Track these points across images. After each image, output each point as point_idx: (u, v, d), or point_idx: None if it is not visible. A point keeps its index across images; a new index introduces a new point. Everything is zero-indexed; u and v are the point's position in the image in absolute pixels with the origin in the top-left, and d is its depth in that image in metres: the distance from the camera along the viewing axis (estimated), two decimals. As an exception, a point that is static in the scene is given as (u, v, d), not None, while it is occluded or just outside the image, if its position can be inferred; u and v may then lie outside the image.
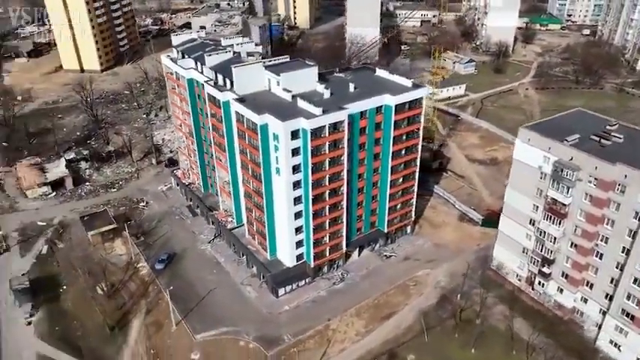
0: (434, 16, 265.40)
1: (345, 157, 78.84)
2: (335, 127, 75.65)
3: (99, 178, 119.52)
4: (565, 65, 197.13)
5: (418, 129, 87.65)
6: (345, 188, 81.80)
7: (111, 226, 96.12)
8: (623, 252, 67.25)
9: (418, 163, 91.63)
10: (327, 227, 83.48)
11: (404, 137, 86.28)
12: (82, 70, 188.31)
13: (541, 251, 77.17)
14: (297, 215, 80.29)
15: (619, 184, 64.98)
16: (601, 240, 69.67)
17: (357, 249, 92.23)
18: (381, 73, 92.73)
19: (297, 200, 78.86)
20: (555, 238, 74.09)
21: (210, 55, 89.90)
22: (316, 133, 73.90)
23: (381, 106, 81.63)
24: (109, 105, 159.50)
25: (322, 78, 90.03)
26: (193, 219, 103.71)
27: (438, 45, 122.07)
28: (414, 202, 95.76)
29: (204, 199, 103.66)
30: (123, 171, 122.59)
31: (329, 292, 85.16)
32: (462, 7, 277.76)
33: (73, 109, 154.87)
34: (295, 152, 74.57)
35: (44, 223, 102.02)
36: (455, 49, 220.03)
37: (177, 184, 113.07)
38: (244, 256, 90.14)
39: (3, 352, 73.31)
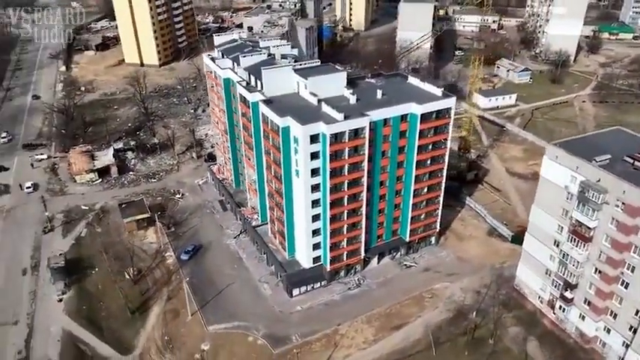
0: (494, 22, 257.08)
1: (365, 164, 78.83)
2: (356, 133, 75.83)
3: (142, 168, 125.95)
4: (631, 78, 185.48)
5: (445, 139, 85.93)
6: (365, 194, 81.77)
7: (144, 215, 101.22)
8: (650, 282, 63.13)
9: (445, 174, 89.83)
10: (345, 232, 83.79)
11: (430, 147, 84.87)
12: (142, 64, 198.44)
13: (564, 274, 73.65)
14: (315, 218, 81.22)
15: (649, 211, 61.06)
16: (627, 268, 65.65)
17: (377, 256, 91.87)
18: (412, 80, 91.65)
19: (314, 203, 79.79)
20: (579, 262, 70.49)
21: (244, 56, 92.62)
22: (336, 138, 74.42)
23: (407, 115, 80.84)
24: (161, 99, 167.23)
25: (352, 83, 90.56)
26: (223, 214, 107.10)
27: (477, 53, 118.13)
28: (440, 213, 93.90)
29: (234, 194, 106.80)
30: (165, 163, 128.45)
31: (343, 296, 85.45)
32: (525, 12, 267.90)
33: (128, 101, 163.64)
34: (314, 156, 75.53)
35: (87, 208, 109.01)
36: (512, 56, 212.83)
37: (212, 179, 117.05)
38: (265, 254, 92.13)
39: (34, 324, 79.34)
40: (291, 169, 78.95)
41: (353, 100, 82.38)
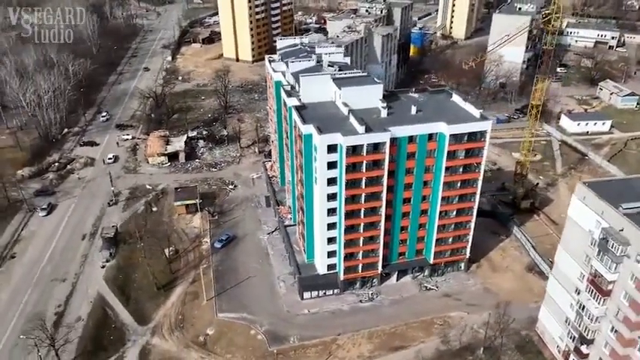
0: (612, 38, 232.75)
1: (385, 179, 78.11)
2: (376, 147, 75.51)
3: (208, 157, 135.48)
4: None
5: (479, 163, 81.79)
6: (383, 209, 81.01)
7: (193, 201, 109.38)
8: (666, 354, 55.47)
9: (477, 199, 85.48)
10: (362, 244, 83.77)
11: (460, 169, 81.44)
12: (237, 60, 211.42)
13: (579, 327, 66.99)
14: (331, 226, 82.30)
15: (671, 272, 53.65)
16: (645, 333, 58.24)
17: (397, 273, 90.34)
18: (455, 98, 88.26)
19: (330, 212, 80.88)
20: (595, 317, 63.74)
21: (293, 61, 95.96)
22: (354, 150, 74.84)
23: (435, 134, 78.46)
24: (244, 94, 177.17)
25: (392, 96, 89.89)
26: (265, 209, 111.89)
27: (542, 76, 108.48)
28: (470, 239, 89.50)
29: (277, 192, 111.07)
30: (229, 154, 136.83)
31: (353, 308, 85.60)
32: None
33: (214, 93, 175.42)
34: (331, 165, 76.63)
35: (151, 187, 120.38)
36: (623, 78, 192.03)
37: (264, 175, 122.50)
38: (288, 254, 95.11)
39: (77, 285, 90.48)
40: (312, 175, 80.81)
41: (384, 113, 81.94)
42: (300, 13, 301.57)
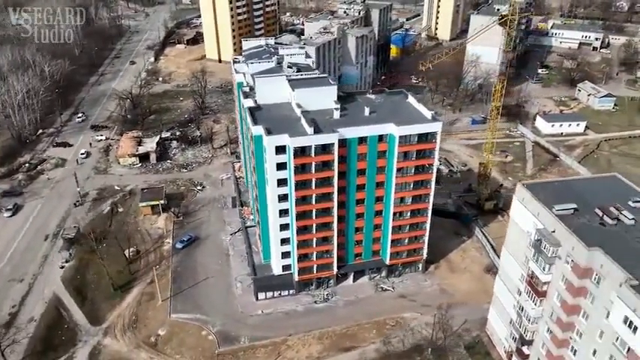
0: (596, 39, 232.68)
1: (335, 180, 78.32)
2: (324, 148, 75.72)
3: (180, 158, 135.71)
4: None
5: (431, 164, 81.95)
6: (335, 210, 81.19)
7: (158, 202, 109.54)
8: (594, 355, 55.50)
9: (431, 200, 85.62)
10: (315, 245, 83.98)
11: (412, 170, 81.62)
12: (220, 61, 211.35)
13: (520, 328, 67.15)
14: (283, 227, 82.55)
15: (596, 274, 53.75)
16: (576, 334, 58.32)
17: (353, 274, 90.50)
18: (411, 100, 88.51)
19: (282, 213, 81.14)
20: (532, 318, 63.90)
21: (252, 62, 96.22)
22: (303, 151, 75.08)
23: (386, 135, 78.66)
24: (223, 94, 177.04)
25: (349, 98, 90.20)
26: (231, 210, 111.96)
27: (502, 76, 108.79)
28: (427, 240, 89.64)
29: (243, 193, 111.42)
30: (201, 155, 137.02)
31: (307, 308, 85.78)
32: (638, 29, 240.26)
33: (193, 94, 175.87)
34: (281, 166, 76.85)
35: (119, 188, 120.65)
36: (604, 79, 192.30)
37: (233, 176, 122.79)
38: (247, 255, 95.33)
39: (34, 285, 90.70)
40: (264, 176, 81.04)
41: (337, 114, 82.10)
42: (288, 14, 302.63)
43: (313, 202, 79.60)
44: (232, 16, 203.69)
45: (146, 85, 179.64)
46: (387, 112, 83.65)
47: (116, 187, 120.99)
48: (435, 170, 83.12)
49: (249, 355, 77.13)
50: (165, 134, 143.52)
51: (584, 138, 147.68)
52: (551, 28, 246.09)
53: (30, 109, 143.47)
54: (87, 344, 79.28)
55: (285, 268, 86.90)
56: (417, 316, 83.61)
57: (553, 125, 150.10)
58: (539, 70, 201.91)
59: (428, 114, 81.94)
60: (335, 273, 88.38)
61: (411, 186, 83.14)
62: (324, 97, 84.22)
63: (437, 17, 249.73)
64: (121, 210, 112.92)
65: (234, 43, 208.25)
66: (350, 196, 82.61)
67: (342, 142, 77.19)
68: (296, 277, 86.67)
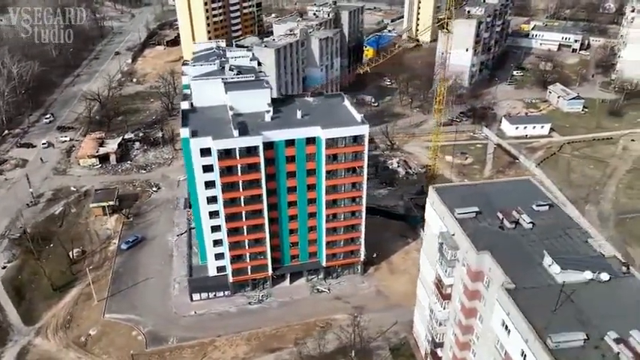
0: (575, 41, 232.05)
1: (262, 182, 78.91)
2: (249, 150, 76.34)
3: (140, 159, 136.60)
4: None
5: (360, 167, 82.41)
6: (265, 212, 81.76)
7: (108, 203, 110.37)
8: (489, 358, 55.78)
9: (364, 202, 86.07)
10: (247, 247, 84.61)
11: (342, 173, 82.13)
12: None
13: (432, 330, 67.53)
14: (215, 229, 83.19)
15: (486, 277, 54.10)
16: (475, 336, 58.65)
17: (290, 275, 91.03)
18: (346, 103, 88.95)
19: (213, 214, 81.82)
20: (439, 320, 64.28)
21: (194, 65, 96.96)
22: (227, 153, 75.72)
23: (314, 138, 79.16)
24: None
25: (286, 100, 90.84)
26: (182, 211, 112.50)
27: (442, 79, 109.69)
28: (363, 242, 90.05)
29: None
30: (162, 157, 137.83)
31: (240, 309, 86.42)
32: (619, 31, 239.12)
33: (161, 95, 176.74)
34: (207, 169, 77.53)
35: (75, 189, 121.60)
36: (578, 81, 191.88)
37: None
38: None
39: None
40: (194, 178, 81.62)
41: (268, 117, 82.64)
42: (273, 15, 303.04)
43: (242, 204, 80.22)
44: (207, 17, 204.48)
45: (117, 87, 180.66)
46: (320, 115, 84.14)
47: (72, 188, 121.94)
48: (365, 172, 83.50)
49: (176, 356, 77.83)
50: (128, 135, 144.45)
51: (547, 140, 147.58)
52: (532, 29, 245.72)
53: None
54: (17, 344, 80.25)
55: (220, 269, 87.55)
56: (348, 317, 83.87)
57: (517, 127, 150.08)
58: (514, 72, 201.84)
59: (358, 117, 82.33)
60: (270, 274, 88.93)
61: (342, 188, 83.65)
62: (257, 100, 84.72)
63: (417, 19, 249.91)
64: (73, 211, 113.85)
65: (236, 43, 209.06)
66: (281, 198, 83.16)
67: (270, 145, 77.87)
68: (230, 279, 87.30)
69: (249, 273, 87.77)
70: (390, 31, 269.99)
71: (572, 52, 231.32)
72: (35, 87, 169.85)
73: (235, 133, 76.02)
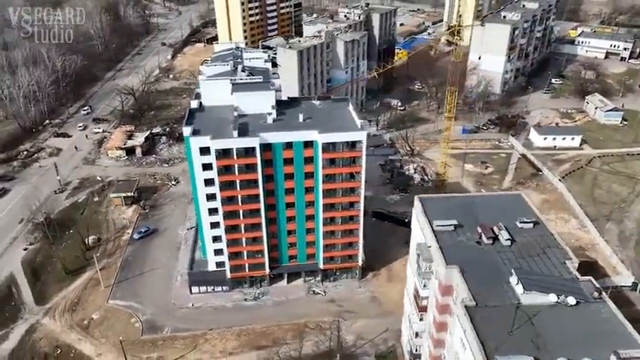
0: (625, 49, 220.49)
1: (260, 182, 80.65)
2: (246, 151, 78.22)
3: (165, 153, 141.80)
4: None
5: (358, 172, 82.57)
6: (263, 211, 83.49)
7: (127, 194, 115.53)
8: (456, 374, 55.06)
9: (362, 207, 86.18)
10: (245, 244, 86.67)
11: (339, 177, 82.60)
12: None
13: (411, 341, 67.06)
14: (214, 225, 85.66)
15: (455, 292, 53.39)
16: (446, 350, 57.94)
17: (288, 275, 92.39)
18: (350, 107, 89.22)
19: (212, 211, 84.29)
20: (416, 332, 63.82)
21: (208, 65, 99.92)
22: (225, 153, 77.94)
23: (312, 142, 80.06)
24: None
25: (294, 103, 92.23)
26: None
27: (451, 85, 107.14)
28: (361, 247, 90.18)
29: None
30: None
31: (236, 305, 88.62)
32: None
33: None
34: (206, 167, 79.99)
35: (100, 179, 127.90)
36: (621, 91, 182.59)
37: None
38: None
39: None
40: (194, 175, 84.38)
41: (270, 119, 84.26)
42: (314, 15, 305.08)
43: (240, 203, 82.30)
44: (244, 17, 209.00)
45: (154, 82, 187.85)
46: (322, 119, 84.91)
47: (98, 178, 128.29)
48: (363, 178, 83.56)
49: (168, 345, 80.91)
50: (156, 130, 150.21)
51: (577, 153, 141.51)
52: (578, 36, 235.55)
53: (40, 101, 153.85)
54: (26, 322, 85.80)
55: (219, 265, 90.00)
56: (340, 322, 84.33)
57: (546, 138, 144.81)
58: (553, 80, 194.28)
59: (358, 123, 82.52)
60: (268, 273, 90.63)
61: (340, 193, 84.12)
62: (261, 102, 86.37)
63: (457, 22, 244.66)
64: (96, 199, 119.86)
65: (246, 44, 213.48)
66: (279, 199, 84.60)
67: (268, 147, 79.48)
68: (228, 275, 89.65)
69: (247, 270, 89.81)
70: (429, 33, 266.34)
71: (621, 60, 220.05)
72: (78, 80, 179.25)
73: (234, 133, 78.04)
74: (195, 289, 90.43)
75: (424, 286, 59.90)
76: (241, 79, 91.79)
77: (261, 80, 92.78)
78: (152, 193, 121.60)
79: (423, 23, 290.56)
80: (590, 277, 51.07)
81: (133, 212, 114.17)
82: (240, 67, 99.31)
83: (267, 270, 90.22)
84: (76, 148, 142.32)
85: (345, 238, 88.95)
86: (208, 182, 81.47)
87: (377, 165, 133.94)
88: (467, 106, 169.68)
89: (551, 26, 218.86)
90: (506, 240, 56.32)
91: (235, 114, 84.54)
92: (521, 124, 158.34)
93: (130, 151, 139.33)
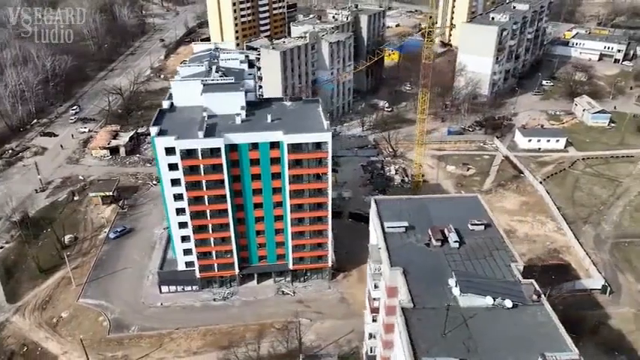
0: (618, 51, 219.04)
1: (226, 182, 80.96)
2: (212, 152, 78.55)
3: (149, 153, 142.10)
4: None
5: (324, 173, 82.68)
6: (230, 212, 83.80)
7: (103, 193, 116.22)
8: (402, 375, 55.01)
9: (329, 208, 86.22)
10: (214, 245, 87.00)
11: (306, 178, 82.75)
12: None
13: (367, 342, 67.10)
14: (182, 225, 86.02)
15: (400, 294, 53.36)
16: (394, 353, 57.83)
17: (258, 276, 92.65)
18: (320, 109, 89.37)
19: (179, 211, 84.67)
20: (370, 334, 63.87)
21: (182, 66, 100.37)
22: (189, 153, 78.33)
23: (278, 142, 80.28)
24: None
25: (265, 103, 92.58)
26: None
27: (424, 87, 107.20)
28: (330, 248, 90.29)
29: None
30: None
31: (204, 305, 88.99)
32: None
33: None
34: (172, 167, 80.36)
35: (82, 178, 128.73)
36: (612, 93, 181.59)
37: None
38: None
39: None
40: (161, 176, 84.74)
41: (238, 120, 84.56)
42: (311, 16, 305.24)
43: (207, 203, 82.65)
44: (235, 18, 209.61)
45: (145, 82, 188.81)
46: (290, 120, 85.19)
47: (80, 177, 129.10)
48: (330, 179, 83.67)
49: (134, 344, 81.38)
50: (142, 129, 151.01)
51: (560, 155, 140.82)
52: (573, 37, 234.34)
53: (24, 100, 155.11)
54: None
55: (189, 264, 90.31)
56: (305, 322, 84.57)
57: (530, 140, 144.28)
58: (544, 82, 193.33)
59: (325, 124, 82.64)
60: (237, 273, 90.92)
61: (307, 194, 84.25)
62: (231, 102, 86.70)
63: (451, 23, 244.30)
64: (76, 198, 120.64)
65: (237, 44, 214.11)
66: (247, 199, 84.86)
67: (234, 147, 79.80)
68: (198, 274, 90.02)
69: (216, 270, 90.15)
70: (423, 34, 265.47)
71: (615, 62, 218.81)
72: (68, 80, 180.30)
73: (199, 134, 78.40)
74: (165, 288, 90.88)
75: (375, 287, 59.97)
76: (213, 80, 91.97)
77: (232, 81, 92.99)
78: (132, 193, 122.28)
79: (420, 24, 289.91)
80: (532, 280, 50.97)
81: (112, 211, 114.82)
82: (214, 68, 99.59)
83: (237, 270, 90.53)
84: (61, 146, 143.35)
85: (314, 239, 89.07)
86: (175, 182, 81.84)
87: (359, 166, 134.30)
88: (454, 108, 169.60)
89: (544, 27, 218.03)
90: (455, 242, 56.22)
91: (205, 114, 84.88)
92: (508, 126, 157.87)
93: (114, 151, 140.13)
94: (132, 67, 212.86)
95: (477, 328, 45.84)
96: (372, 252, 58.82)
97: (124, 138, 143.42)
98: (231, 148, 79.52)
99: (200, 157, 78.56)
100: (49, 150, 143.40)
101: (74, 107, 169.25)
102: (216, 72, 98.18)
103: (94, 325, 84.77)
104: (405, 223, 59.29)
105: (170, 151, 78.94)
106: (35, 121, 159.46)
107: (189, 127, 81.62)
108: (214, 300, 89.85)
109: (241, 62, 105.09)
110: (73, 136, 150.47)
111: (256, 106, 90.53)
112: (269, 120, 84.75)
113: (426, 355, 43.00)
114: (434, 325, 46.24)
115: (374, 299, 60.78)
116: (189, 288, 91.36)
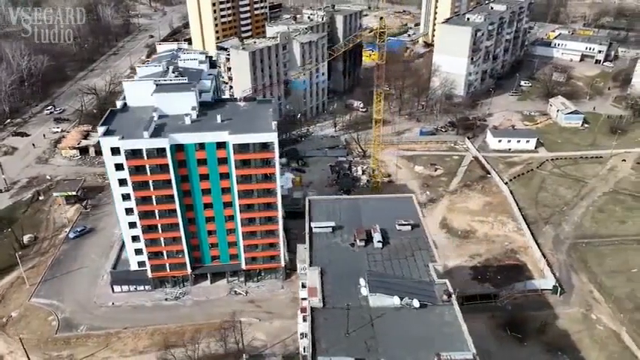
0: (599, 52, 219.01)
1: (173, 182, 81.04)
2: (158, 152, 78.63)
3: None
4: None
5: (272, 173, 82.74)
6: (179, 212, 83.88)
7: (66, 193, 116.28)
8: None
9: (279, 208, 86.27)
10: (164, 244, 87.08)
11: (255, 178, 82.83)
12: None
13: (300, 342, 67.13)
14: (132, 225, 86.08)
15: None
16: (319, 352, 57.96)
17: (211, 275, 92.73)
18: (271, 109, 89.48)
19: (128, 211, 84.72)
20: (301, 333, 63.92)
21: (140, 66, 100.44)
22: (134, 153, 78.39)
23: (225, 142, 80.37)
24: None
25: (218, 104, 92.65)
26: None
27: (378, 85, 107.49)
28: (282, 248, 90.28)
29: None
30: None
31: (155, 305, 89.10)
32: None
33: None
34: (119, 167, 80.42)
35: (49, 178, 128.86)
36: (589, 94, 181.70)
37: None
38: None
39: None
40: (109, 175, 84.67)
41: (188, 120, 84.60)
42: (299, 16, 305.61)
43: (154, 203, 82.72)
44: (215, 18, 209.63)
45: (121, 82, 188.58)
46: (240, 120, 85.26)
47: (47, 177, 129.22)
48: (277, 179, 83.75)
49: (81, 343, 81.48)
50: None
51: (530, 156, 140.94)
52: (555, 38, 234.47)
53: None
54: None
55: (141, 264, 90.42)
56: (253, 322, 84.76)
57: (500, 141, 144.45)
58: (522, 82, 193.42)
59: (272, 125, 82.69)
60: (190, 273, 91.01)
61: (256, 194, 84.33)
62: (182, 103, 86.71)
63: (434, 24, 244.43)
64: (42, 198, 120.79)
65: (217, 45, 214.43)
66: (196, 199, 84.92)
67: (179, 147, 79.88)
68: (149, 274, 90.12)
69: (168, 270, 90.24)
70: (409, 35, 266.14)
71: (596, 63, 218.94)
72: (45, 80, 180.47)
73: (145, 134, 78.48)
74: (117, 288, 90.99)
75: (302, 286, 60.04)
76: (166, 80, 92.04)
77: (185, 81, 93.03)
78: (98, 193, 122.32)
79: (405, 25, 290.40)
80: (446, 280, 51.04)
81: (75, 211, 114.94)
82: (171, 68, 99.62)
83: (189, 270, 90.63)
84: (33, 145, 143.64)
85: (266, 239, 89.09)
86: (122, 182, 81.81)
87: (328, 166, 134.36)
88: (429, 108, 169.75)
89: (525, 28, 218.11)
90: (378, 242, 56.37)
91: (155, 115, 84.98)
92: (481, 127, 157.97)
93: (84, 151, 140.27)
94: (112, 68, 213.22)
95: (382, 327, 45.96)
96: (299, 252, 58.89)
97: (95, 138, 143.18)
98: (178, 148, 79.61)
99: (145, 157, 78.58)
100: (19, 150, 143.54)
101: (49, 107, 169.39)
102: (173, 72, 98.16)
103: (42, 325, 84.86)
104: (332, 223, 59.53)
105: (116, 151, 78.99)
106: (9, 121, 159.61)
107: (138, 128, 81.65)
108: (166, 300, 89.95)
109: (200, 62, 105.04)
110: (44, 136, 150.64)
111: (209, 106, 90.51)
112: (219, 120, 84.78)
113: (324, 354, 43.08)
114: (339, 325, 46.36)
115: (302, 299, 60.81)
116: (142, 288, 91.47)
